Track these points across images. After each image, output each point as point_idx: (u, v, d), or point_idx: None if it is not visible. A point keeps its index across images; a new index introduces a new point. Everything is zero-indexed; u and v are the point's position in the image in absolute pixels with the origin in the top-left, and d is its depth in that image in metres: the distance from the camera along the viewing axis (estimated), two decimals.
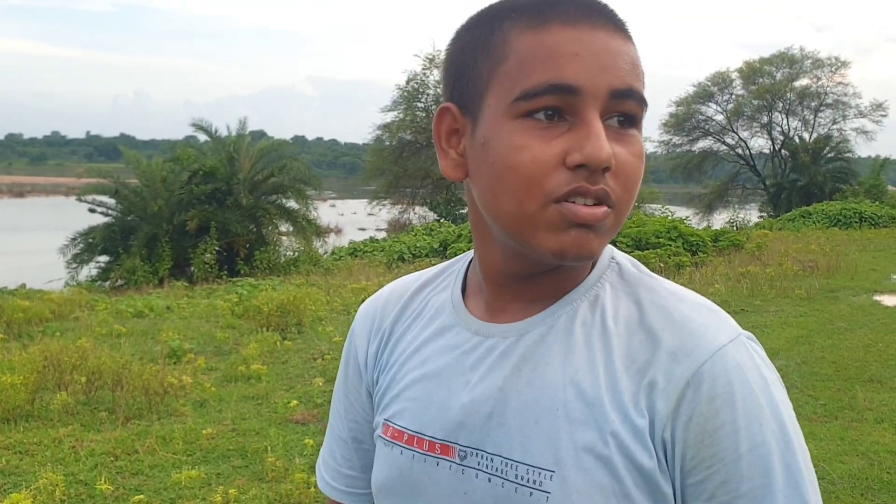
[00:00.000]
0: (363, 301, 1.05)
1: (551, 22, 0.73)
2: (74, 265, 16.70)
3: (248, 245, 17.04)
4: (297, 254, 17.71)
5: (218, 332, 8.22)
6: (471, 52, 0.79)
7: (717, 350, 0.75)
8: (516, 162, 0.73)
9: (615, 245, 0.81)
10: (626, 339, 0.78)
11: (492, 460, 0.79)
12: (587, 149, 0.71)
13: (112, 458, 4.56)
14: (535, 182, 0.72)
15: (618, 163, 0.73)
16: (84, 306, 10.54)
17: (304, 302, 8.84)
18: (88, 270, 16.92)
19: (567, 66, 0.72)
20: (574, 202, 0.73)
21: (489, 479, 0.79)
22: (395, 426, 0.88)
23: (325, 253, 19.42)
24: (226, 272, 15.79)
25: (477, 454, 0.80)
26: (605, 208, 0.73)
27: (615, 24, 0.75)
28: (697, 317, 0.78)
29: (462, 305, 0.89)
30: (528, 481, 0.76)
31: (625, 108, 0.74)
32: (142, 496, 3.83)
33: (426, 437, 0.85)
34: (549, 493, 0.75)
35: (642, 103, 0.76)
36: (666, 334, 0.76)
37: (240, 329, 8.43)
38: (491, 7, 0.80)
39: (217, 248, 16.31)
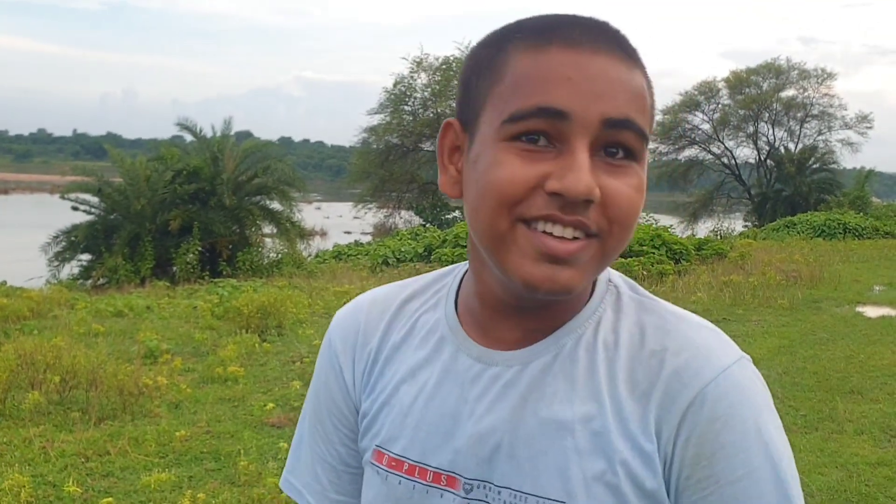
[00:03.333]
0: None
1: (552, 44, 0.71)
2: (56, 263, 16.53)
3: (230, 246, 16.92)
4: (280, 256, 17.61)
5: (197, 332, 8.14)
6: (476, 70, 0.78)
7: (721, 371, 0.75)
8: (494, 178, 0.71)
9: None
10: (629, 363, 0.77)
11: (500, 493, 0.78)
12: (567, 179, 0.69)
13: (83, 460, 4.48)
14: (507, 199, 0.71)
15: (607, 195, 0.71)
16: (64, 305, 10.41)
17: (286, 304, 8.76)
18: (70, 269, 16.76)
19: (558, 90, 0.69)
20: (547, 232, 0.71)
21: None
22: (392, 454, 0.85)
23: (309, 256, 19.32)
24: (208, 273, 15.67)
25: (484, 486, 0.79)
26: (581, 242, 0.71)
27: (621, 50, 0.72)
28: (699, 338, 0.77)
29: (459, 328, 0.85)
30: None
31: (620, 138, 0.71)
32: (110, 499, 3.76)
33: (430, 468, 0.82)
34: None
35: (642, 137, 0.72)
36: (669, 355, 0.76)
37: (219, 330, 8.35)
38: (503, 27, 0.79)
39: (199, 249, 16.19)
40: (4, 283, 13.15)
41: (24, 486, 3.70)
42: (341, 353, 0.92)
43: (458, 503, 0.80)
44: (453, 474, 0.80)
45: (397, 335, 0.89)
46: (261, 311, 8.37)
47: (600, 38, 0.71)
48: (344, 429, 0.93)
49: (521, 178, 0.70)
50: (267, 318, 8.37)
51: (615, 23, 0.76)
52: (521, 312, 0.80)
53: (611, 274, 0.84)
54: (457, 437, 0.80)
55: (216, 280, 13.84)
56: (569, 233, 0.70)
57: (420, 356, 0.86)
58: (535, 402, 0.78)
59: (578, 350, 0.79)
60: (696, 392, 0.73)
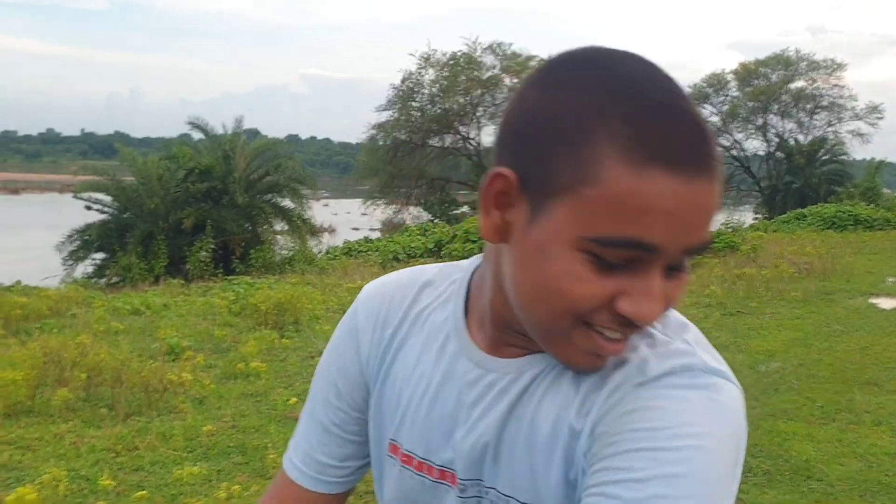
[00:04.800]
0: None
1: (654, 162, 0.64)
2: (71, 262, 16.67)
3: (243, 243, 17.03)
4: (292, 253, 17.71)
5: (216, 329, 8.22)
6: (549, 133, 0.68)
7: (689, 366, 0.73)
8: (566, 288, 0.69)
9: None
10: (609, 368, 0.76)
11: (488, 493, 0.82)
12: (642, 307, 0.69)
13: (113, 455, 4.56)
14: (575, 311, 0.70)
15: (667, 304, 0.72)
16: (81, 303, 10.51)
17: (301, 301, 8.85)
18: (84, 268, 16.89)
19: (657, 226, 0.65)
20: (602, 333, 0.72)
21: None
22: (404, 450, 0.89)
23: (320, 252, 19.42)
24: (221, 270, 15.78)
25: (476, 485, 0.83)
26: (623, 342, 0.73)
27: (715, 169, 0.67)
28: (687, 347, 0.76)
29: (465, 331, 0.86)
30: None
31: (689, 256, 0.70)
32: (144, 492, 3.84)
33: (435, 466, 0.86)
34: None
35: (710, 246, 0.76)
36: (643, 351, 0.75)
37: (237, 327, 8.43)
38: (582, 86, 0.68)
39: (213, 247, 16.30)
40: (20, 282, 13.26)
41: (62, 480, 3.78)
42: (363, 328, 0.94)
43: (458, 500, 0.84)
44: (453, 472, 0.84)
45: (408, 326, 0.91)
46: (277, 308, 8.46)
47: (700, 155, 0.66)
48: (348, 397, 0.95)
49: (596, 295, 0.69)
50: (283, 315, 8.46)
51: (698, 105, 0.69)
52: (527, 334, 0.80)
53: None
54: (455, 439, 0.84)
55: (230, 277, 13.94)
56: (621, 335, 0.72)
57: (427, 356, 0.88)
58: (521, 409, 0.80)
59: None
60: (654, 375, 0.73)
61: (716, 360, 0.76)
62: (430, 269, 0.95)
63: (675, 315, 0.80)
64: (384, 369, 0.92)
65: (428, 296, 0.92)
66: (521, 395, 0.80)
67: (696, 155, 0.65)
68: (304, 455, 0.99)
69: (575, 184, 0.66)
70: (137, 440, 4.76)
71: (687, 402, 0.70)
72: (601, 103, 0.66)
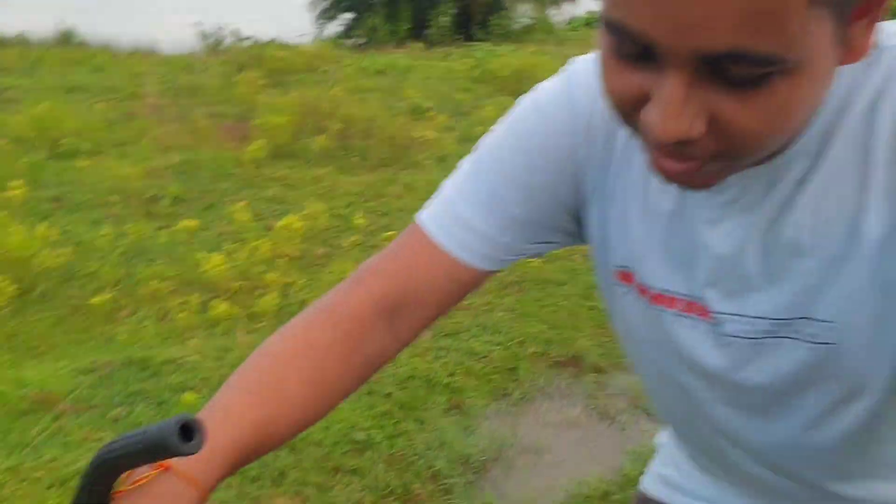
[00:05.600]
0: None
1: None
2: (321, 21, 17.45)
3: (484, 9, 16.87)
4: (531, 21, 17.36)
5: (456, 93, 8.44)
6: None
7: None
8: (603, 79, 0.59)
9: None
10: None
11: (752, 323, 0.71)
12: (650, 116, 0.55)
13: (363, 199, 5.00)
14: (617, 110, 0.60)
15: (719, 123, 0.54)
16: (331, 61, 11.10)
17: (539, 70, 8.78)
18: (334, 27, 17.65)
19: (641, 10, 0.51)
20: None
21: (751, 339, 0.72)
22: (639, 280, 0.77)
23: (561, 22, 18.87)
24: (461, 36, 15.86)
25: (730, 319, 0.72)
26: (689, 163, 0.58)
27: None
28: None
29: None
30: (801, 335, 0.69)
31: (733, 71, 0.52)
32: (392, 233, 4.22)
33: (679, 296, 0.74)
34: (830, 343, 0.68)
35: (771, 63, 0.51)
36: None
37: (476, 92, 8.59)
38: None
39: (454, 11, 16.31)
40: (275, 39, 14.13)
41: (322, 214, 4.24)
42: (584, 123, 0.77)
43: (706, 331, 0.74)
44: (699, 303, 0.73)
45: (626, 137, 0.75)
46: (516, 75, 8.49)
47: None
48: (542, 189, 0.79)
49: (621, 90, 0.58)
50: (522, 83, 8.47)
51: None
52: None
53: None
54: (699, 266, 0.72)
55: (470, 43, 14.01)
56: (674, 159, 0.58)
57: (647, 170, 0.72)
58: (769, 223, 0.67)
59: (843, 150, 0.63)
60: None
61: None
62: None
63: None
64: (606, 182, 0.77)
65: None
66: (772, 209, 0.67)
67: None
68: (453, 216, 0.81)
69: None
70: (385, 188, 5.16)
71: None
72: None
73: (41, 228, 3.92)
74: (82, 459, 2.46)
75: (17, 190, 4.40)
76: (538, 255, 0.85)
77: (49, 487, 2.35)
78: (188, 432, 0.54)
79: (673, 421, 0.91)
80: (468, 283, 0.82)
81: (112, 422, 2.70)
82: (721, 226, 0.69)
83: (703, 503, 0.94)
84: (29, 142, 5.73)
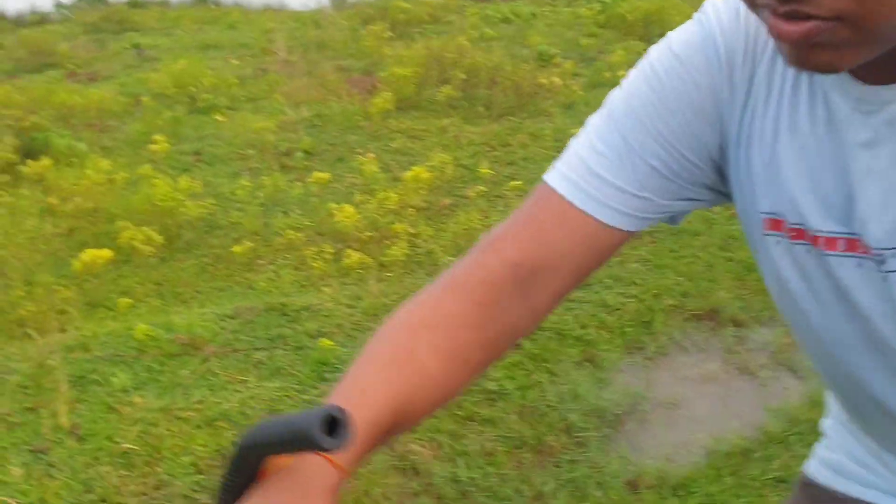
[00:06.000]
0: None
1: None
2: None
3: None
4: None
5: (582, 39, 8.22)
6: None
7: None
8: None
9: None
10: None
11: None
12: None
13: (488, 149, 4.96)
14: None
15: None
16: (455, 11, 11.03)
17: (670, 13, 8.42)
18: None
19: None
20: (770, 8, 0.55)
21: None
22: (791, 223, 0.70)
23: None
24: None
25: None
26: (808, 24, 0.53)
27: None
28: None
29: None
30: None
31: None
32: (519, 182, 4.17)
33: (837, 235, 0.68)
34: None
35: None
36: None
37: (602, 37, 8.35)
38: None
39: None
40: None
41: (448, 165, 4.24)
42: (724, 61, 0.71)
43: (871, 269, 0.67)
44: (861, 240, 0.66)
45: (769, 71, 0.69)
46: (645, 19, 8.20)
47: None
48: (685, 139, 0.73)
49: None
50: (651, 27, 8.16)
51: None
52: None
53: None
54: (857, 199, 0.65)
55: None
56: (788, 14, 0.53)
57: (792, 103, 0.68)
58: None
59: None
60: None
61: None
62: None
63: None
64: (747, 126, 0.72)
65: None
66: None
67: None
68: (587, 173, 0.75)
69: None
70: (510, 137, 5.10)
71: None
72: None
73: (184, 181, 4.11)
74: (228, 401, 2.58)
75: (160, 144, 4.61)
76: (676, 217, 0.80)
77: (197, 427, 2.48)
78: (333, 425, 0.54)
79: (837, 389, 0.84)
80: (605, 246, 0.77)
81: (254, 365, 2.81)
82: (879, 148, 0.62)
83: (875, 491, 0.87)
84: (169, 98, 5.99)
